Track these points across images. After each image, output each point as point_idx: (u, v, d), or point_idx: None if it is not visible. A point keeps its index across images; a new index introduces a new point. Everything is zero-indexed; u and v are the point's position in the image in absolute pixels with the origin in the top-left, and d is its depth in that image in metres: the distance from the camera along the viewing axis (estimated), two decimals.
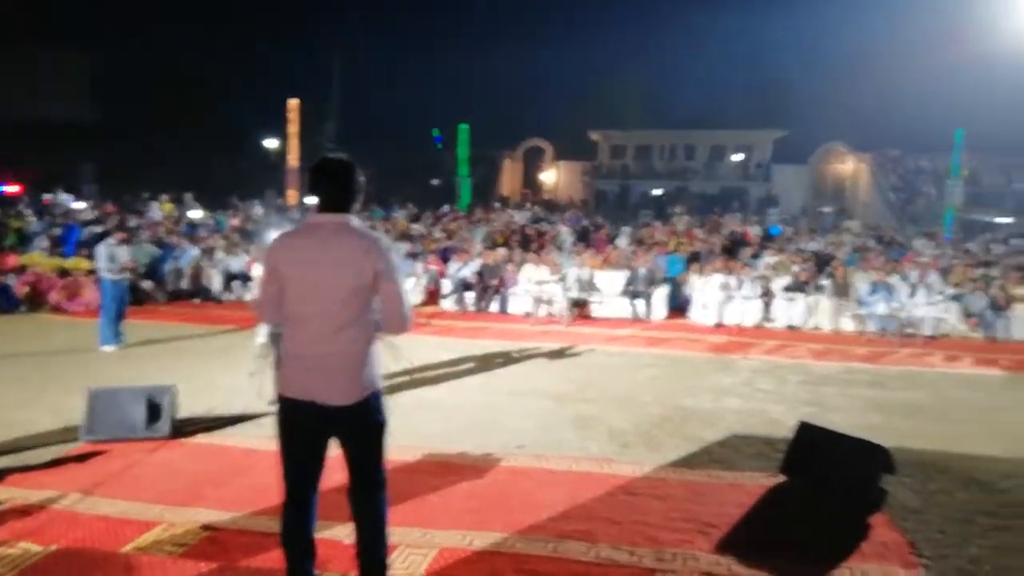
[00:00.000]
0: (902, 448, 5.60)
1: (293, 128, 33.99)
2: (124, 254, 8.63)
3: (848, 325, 11.04)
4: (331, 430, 2.90)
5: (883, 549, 4.03)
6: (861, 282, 11.28)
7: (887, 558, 3.92)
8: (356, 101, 39.73)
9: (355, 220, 2.89)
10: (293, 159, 32.99)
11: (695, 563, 3.79)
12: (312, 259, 2.78)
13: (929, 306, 10.75)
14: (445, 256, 13.63)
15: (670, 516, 4.38)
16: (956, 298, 10.98)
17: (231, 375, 7.42)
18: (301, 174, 27.23)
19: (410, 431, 5.74)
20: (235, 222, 17.91)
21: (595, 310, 11.99)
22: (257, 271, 7.78)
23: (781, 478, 4.96)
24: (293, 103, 33.43)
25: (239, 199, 25.14)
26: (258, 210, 21.45)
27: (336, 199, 2.85)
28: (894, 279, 11.21)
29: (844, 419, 6.31)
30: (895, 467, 4.76)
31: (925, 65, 34.73)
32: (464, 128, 33.91)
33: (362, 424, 2.91)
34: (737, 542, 4.07)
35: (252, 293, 11.00)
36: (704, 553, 3.91)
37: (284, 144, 34.10)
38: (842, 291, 11.30)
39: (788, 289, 11.53)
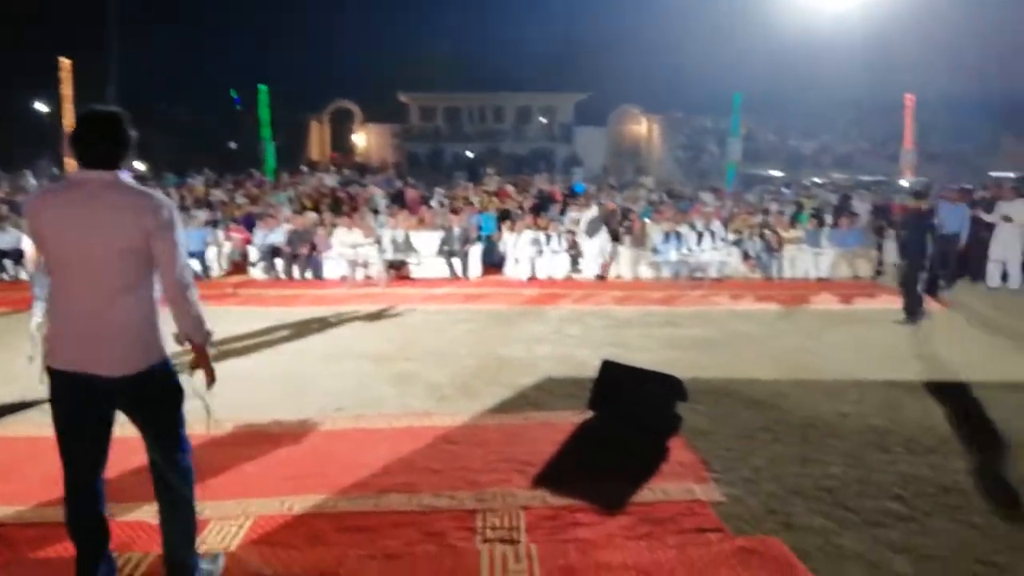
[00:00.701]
0: (695, 378, 6.15)
1: (67, 90, 30.42)
2: None
3: (646, 272, 11.88)
4: (113, 404, 2.66)
5: (680, 468, 4.44)
6: (655, 233, 12.16)
7: (683, 476, 4.32)
8: (143, 61, 36.15)
9: (125, 176, 2.62)
10: (69, 124, 29.55)
11: (513, 499, 3.96)
12: (75, 219, 2.49)
13: (714, 251, 11.84)
14: (250, 223, 12.92)
15: (489, 459, 4.53)
16: (736, 243, 12.17)
17: (6, 360, 6.64)
18: None
19: (220, 404, 5.44)
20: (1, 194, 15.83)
21: (413, 271, 11.97)
22: (27, 245, 6.95)
23: (589, 414, 5.28)
24: (65, 62, 29.90)
25: (4, 169, 22.24)
26: (30, 180, 19.08)
27: (102, 153, 2.55)
28: (684, 229, 12.17)
29: (644, 357, 6.81)
30: (688, 395, 5.24)
31: (706, 30, 37.65)
32: (263, 89, 32.07)
33: (150, 395, 2.69)
34: (551, 476, 4.30)
35: (27, 270, 9.84)
36: (521, 490, 4.09)
37: (58, 108, 30.54)
38: (639, 242, 12.12)
39: (592, 223, 11.97)
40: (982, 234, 11.01)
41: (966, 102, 35.34)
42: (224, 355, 6.96)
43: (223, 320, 8.26)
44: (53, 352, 2.60)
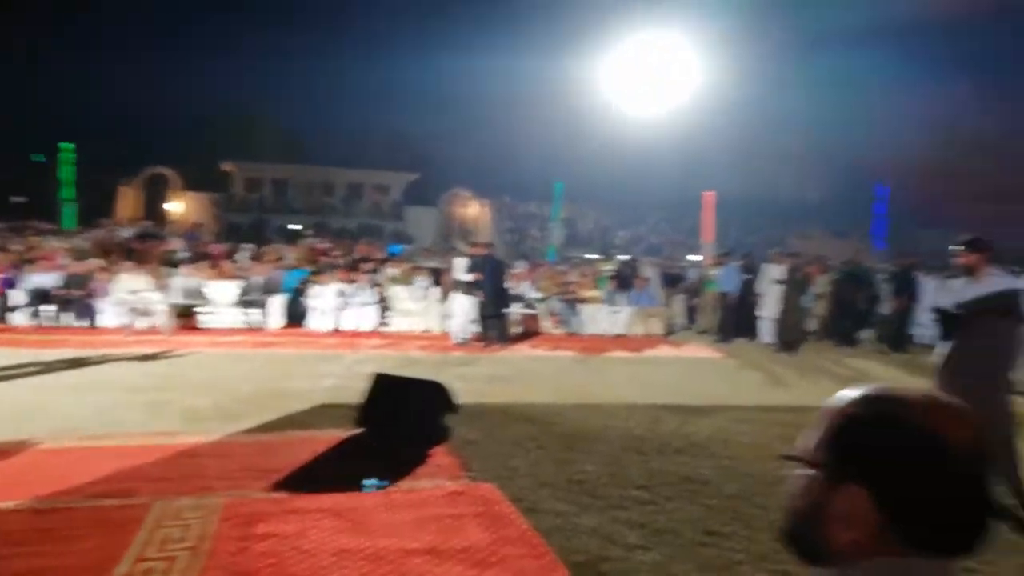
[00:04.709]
0: (476, 403, 6.09)
1: None
2: None
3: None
4: None
5: (436, 469, 4.28)
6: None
7: (436, 475, 4.16)
8: None
9: None
10: None
11: (243, 496, 3.61)
12: None
13: (524, 308, 12.11)
14: (19, 267, 11.56)
15: (229, 469, 4.15)
16: (542, 301, 12.53)
17: None
18: None
19: None
20: None
21: (206, 321, 11.16)
22: None
23: (358, 430, 5.02)
24: None
25: None
26: None
27: None
28: None
29: None
30: (457, 406, 5.16)
31: (534, 123, 39.98)
32: (68, 147, 29.91)
33: None
34: (295, 480, 3.98)
35: None
36: (258, 491, 3.75)
37: None
38: (446, 297, 12.14)
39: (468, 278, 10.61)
40: (753, 297, 12.05)
41: (759, 202, 39.75)
42: None
43: None
44: None
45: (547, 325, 12.26)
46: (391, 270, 13.72)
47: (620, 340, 11.65)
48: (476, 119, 44.23)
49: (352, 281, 12.09)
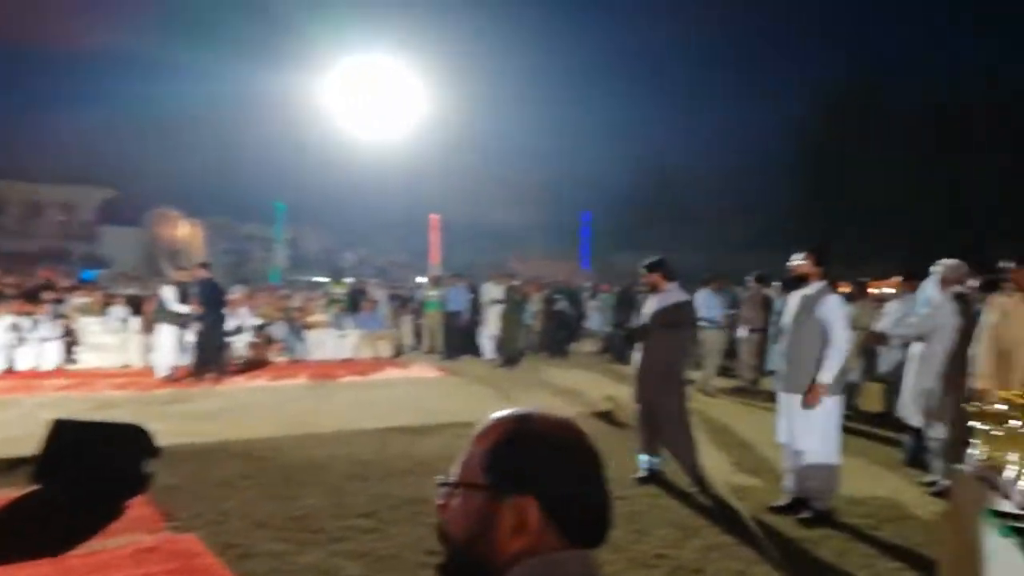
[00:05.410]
0: (187, 443, 5.55)
1: None
2: None
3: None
4: None
5: (130, 523, 3.77)
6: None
7: (132, 530, 3.67)
8: None
9: None
10: None
11: None
12: None
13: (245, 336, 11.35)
14: None
15: None
16: (263, 327, 11.86)
17: None
18: None
19: None
20: None
21: None
22: None
23: (32, 487, 4.28)
24: None
25: None
26: None
27: None
28: None
29: None
30: (159, 450, 4.63)
31: (250, 141, 38.03)
32: None
33: None
34: None
35: None
36: None
37: None
38: (148, 328, 10.98)
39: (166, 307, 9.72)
40: (477, 316, 12.59)
41: (483, 225, 41.89)
42: None
43: None
44: None
45: (271, 353, 11.64)
46: (80, 299, 12.14)
47: (348, 364, 11.45)
48: (185, 133, 40.99)
49: (30, 313, 10.45)
